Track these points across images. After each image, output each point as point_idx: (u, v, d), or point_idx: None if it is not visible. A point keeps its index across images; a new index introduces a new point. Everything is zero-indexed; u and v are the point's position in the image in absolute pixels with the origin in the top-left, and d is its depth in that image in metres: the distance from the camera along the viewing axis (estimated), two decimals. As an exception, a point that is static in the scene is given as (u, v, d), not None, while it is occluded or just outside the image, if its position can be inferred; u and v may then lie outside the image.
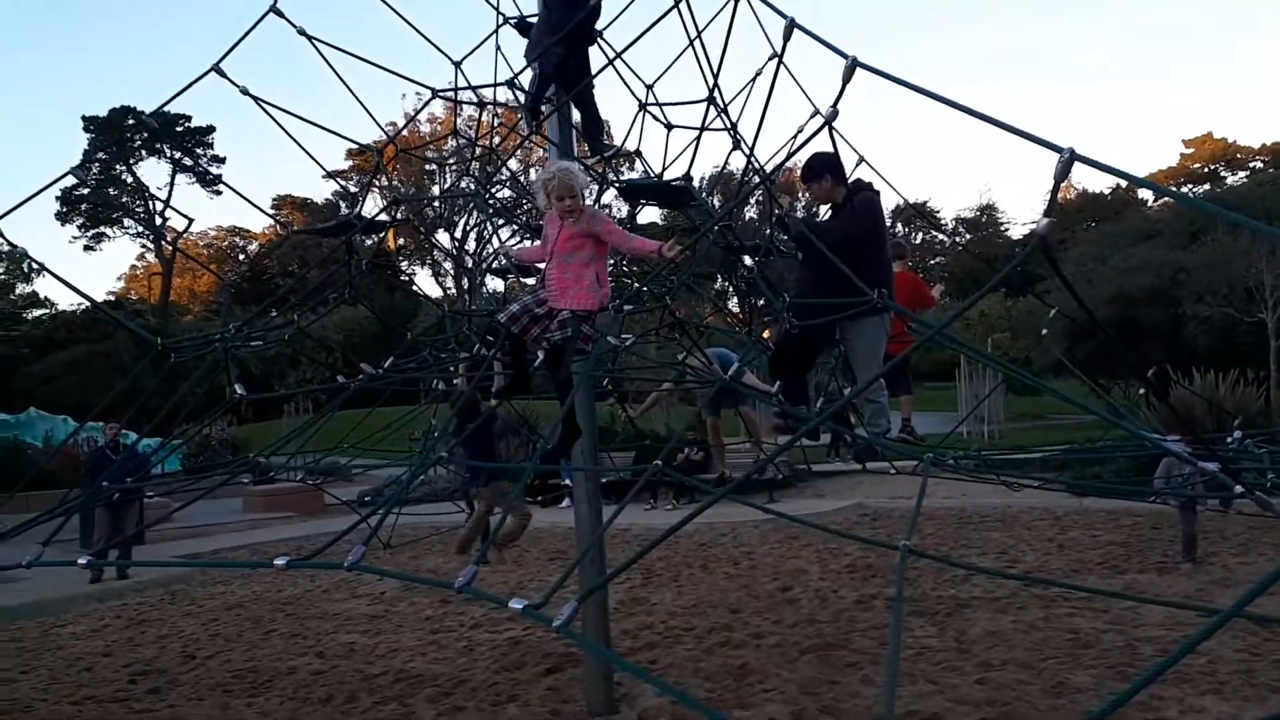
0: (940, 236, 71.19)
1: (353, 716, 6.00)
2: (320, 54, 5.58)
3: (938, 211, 71.69)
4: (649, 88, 6.23)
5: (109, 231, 51.98)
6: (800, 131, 6.02)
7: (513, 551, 10.99)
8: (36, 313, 42.57)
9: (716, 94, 5.34)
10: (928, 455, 5.12)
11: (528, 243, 4.30)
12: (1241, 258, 21.47)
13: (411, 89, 47.59)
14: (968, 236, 70.47)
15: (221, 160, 52.76)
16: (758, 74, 5.80)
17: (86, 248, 51.78)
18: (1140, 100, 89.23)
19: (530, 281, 5.62)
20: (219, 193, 52.29)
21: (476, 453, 8.00)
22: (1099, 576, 8.50)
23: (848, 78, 3.45)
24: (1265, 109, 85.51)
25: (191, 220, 40.40)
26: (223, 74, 4.98)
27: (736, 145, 5.74)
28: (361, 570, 3.15)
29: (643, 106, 5.84)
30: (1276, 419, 15.85)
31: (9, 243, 4.34)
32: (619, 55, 5.29)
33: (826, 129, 3.72)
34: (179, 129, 48.30)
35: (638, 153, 6.69)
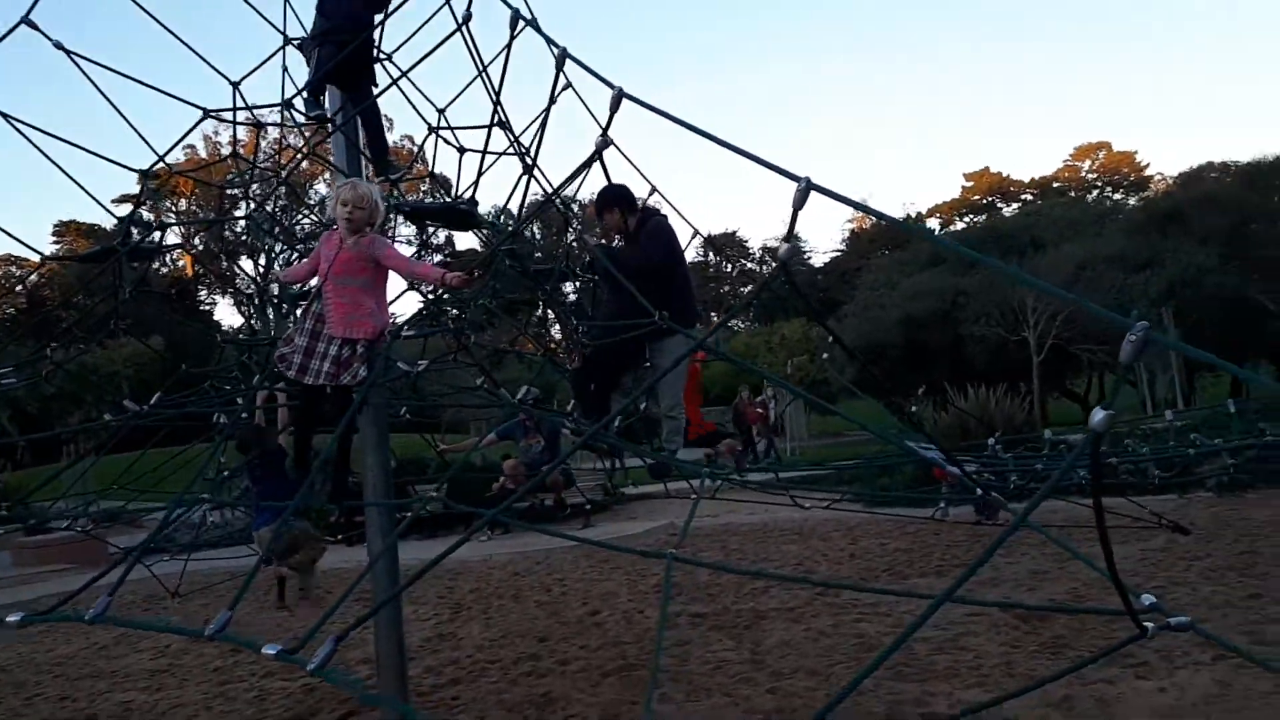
0: (748, 264, 74.06)
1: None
2: (80, 69, 5.24)
3: (745, 241, 74.66)
4: (440, 112, 6.19)
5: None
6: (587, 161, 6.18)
7: (317, 594, 10.56)
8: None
9: (502, 117, 5.37)
10: (705, 471, 5.30)
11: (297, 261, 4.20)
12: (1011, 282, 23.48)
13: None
14: (773, 264, 73.62)
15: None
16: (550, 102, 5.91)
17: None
18: (926, 138, 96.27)
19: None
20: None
21: (269, 492, 7.61)
22: (884, 582, 9.02)
23: (614, 107, 3.57)
24: (1035, 146, 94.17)
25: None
26: (34, 25, 4.67)
27: (527, 170, 5.79)
28: (103, 622, 2.95)
29: (432, 130, 5.81)
30: (1040, 428, 17.40)
31: None
32: (405, 74, 5.26)
33: (600, 157, 3.81)
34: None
35: (432, 175, 6.65)
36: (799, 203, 2.81)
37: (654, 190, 6.73)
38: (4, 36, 4.86)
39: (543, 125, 4.45)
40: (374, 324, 4.22)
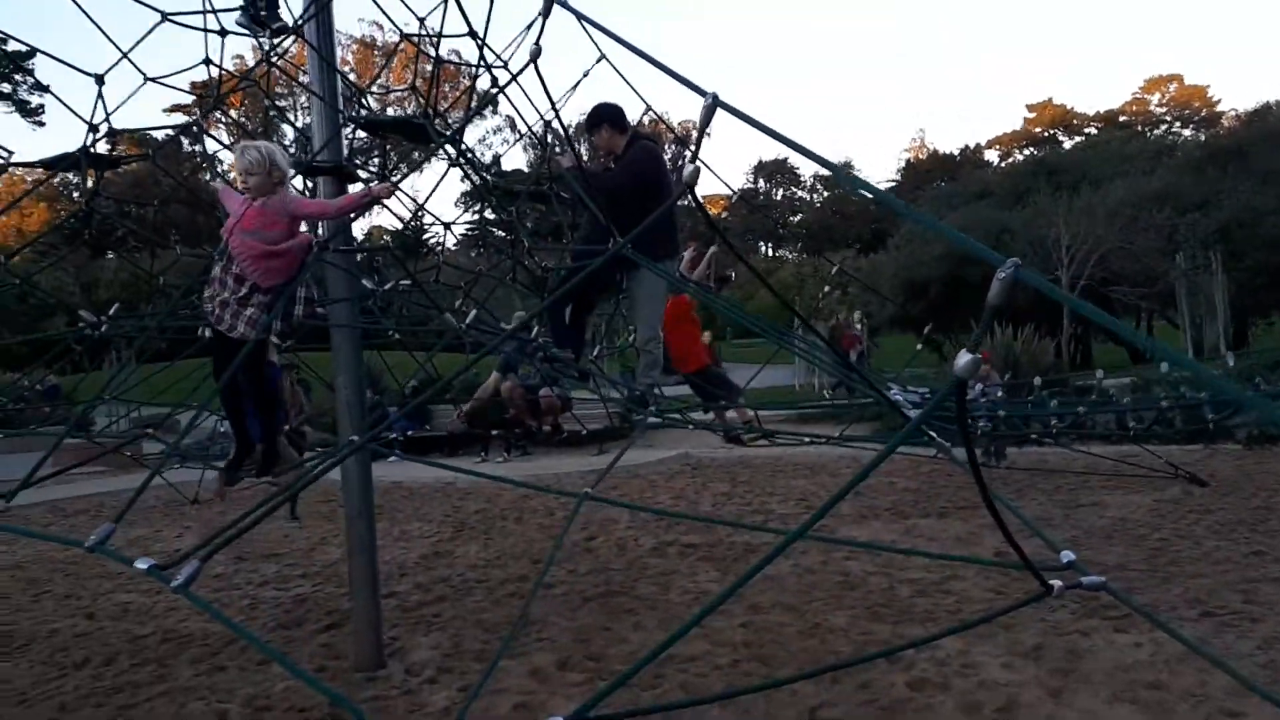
0: (799, 193, 72.88)
1: (104, 680, 5.75)
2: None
3: (796, 169, 73.32)
4: (421, 20, 6.00)
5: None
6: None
7: (327, 507, 10.77)
8: None
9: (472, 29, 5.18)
10: (651, 410, 5.20)
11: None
12: (1064, 216, 22.69)
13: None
14: (825, 193, 72.29)
15: (45, 88, 48.69)
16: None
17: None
18: (990, 66, 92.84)
19: None
20: (43, 124, 48.39)
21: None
22: (883, 521, 8.92)
23: (546, 11, 3.39)
24: (1103, 77, 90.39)
25: (11, 153, 37.29)
26: None
27: (483, 60, 5.60)
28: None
29: (404, 37, 5.62)
30: (1067, 370, 16.98)
31: None
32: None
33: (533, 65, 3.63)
34: (-7, 53, 44.33)
35: (413, 88, 6.49)
36: (705, 120, 2.64)
37: (648, 109, 6.53)
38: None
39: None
40: (287, 272, 4.16)
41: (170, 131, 6.49)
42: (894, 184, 66.63)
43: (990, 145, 68.45)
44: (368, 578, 5.79)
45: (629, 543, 8.61)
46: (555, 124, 5.00)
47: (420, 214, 5.20)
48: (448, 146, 4.71)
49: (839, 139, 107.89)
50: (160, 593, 7.76)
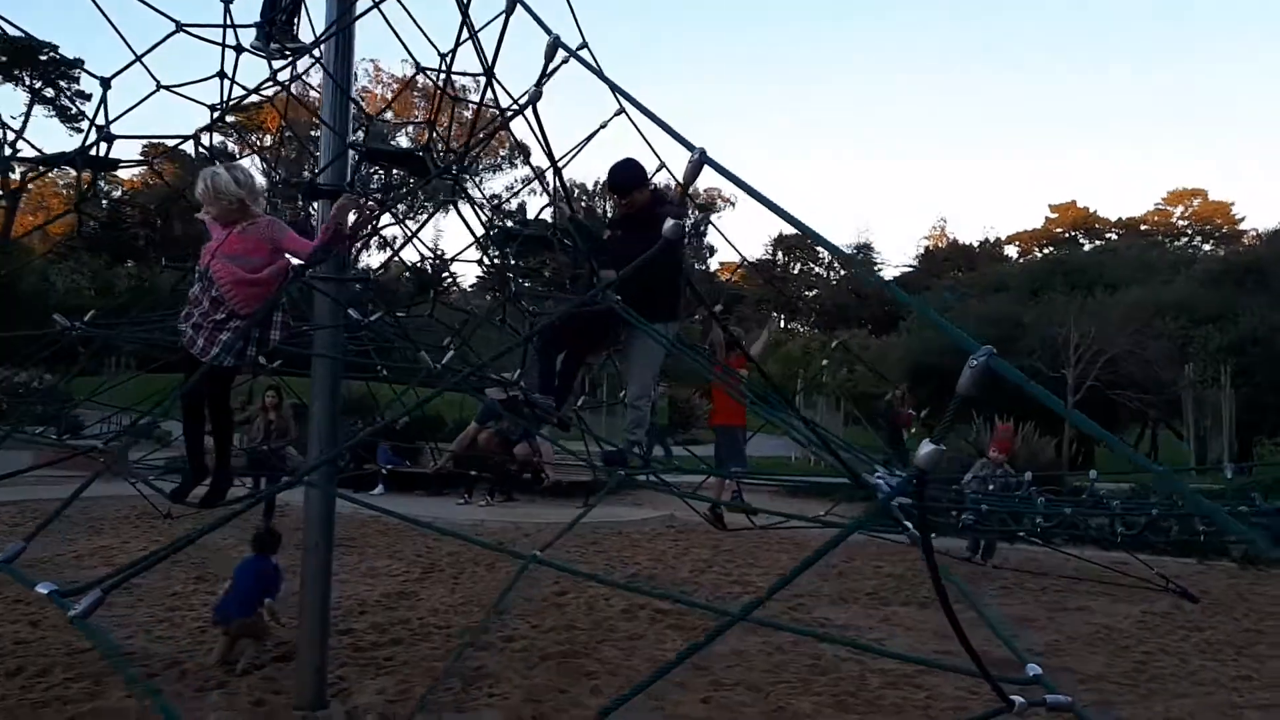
0: (816, 269, 73.16)
1: (33, 692, 5.54)
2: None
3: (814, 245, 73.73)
4: (442, 56, 5.94)
5: (-52, 157, 48.19)
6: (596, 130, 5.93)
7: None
8: None
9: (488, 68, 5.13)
10: (618, 473, 5.05)
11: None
12: (1075, 316, 22.58)
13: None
14: (841, 272, 72.53)
15: (86, 96, 49.58)
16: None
17: (-78, 171, 47.92)
18: (1014, 164, 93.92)
19: None
20: (80, 129, 49.16)
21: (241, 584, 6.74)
22: (862, 606, 8.66)
23: (550, 55, 3.33)
24: (1127, 185, 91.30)
25: (44, 158, 37.79)
26: None
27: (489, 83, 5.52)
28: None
29: (420, 70, 5.59)
30: (1066, 469, 16.71)
31: None
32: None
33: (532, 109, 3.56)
34: (42, 57, 45.16)
35: (431, 123, 6.45)
36: (691, 175, 2.56)
37: (662, 166, 6.46)
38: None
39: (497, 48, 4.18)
40: (265, 299, 4.06)
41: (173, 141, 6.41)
42: (911, 269, 66.80)
43: (1010, 240, 68.74)
44: (318, 613, 5.59)
45: (599, 602, 8.35)
46: (558, 171, 4.90)
47: (439, 252, 5.11)
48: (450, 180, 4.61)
49: (860, 218, 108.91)
50: (112, 605, 7.55)
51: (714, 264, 63.62)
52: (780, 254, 74.74)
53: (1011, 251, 67.38)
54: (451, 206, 7.08)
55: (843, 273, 72.30)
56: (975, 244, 68.63)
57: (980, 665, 2.32)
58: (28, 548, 2.82)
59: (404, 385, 6.78)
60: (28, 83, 46.89)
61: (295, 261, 4.03)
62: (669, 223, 2.57)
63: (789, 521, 6.93)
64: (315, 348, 5.51)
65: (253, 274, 3.98)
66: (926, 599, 9.07)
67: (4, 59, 45.02)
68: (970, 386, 1.83)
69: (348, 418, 12.29)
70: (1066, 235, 66.14)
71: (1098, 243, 61.83)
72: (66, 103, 48.18)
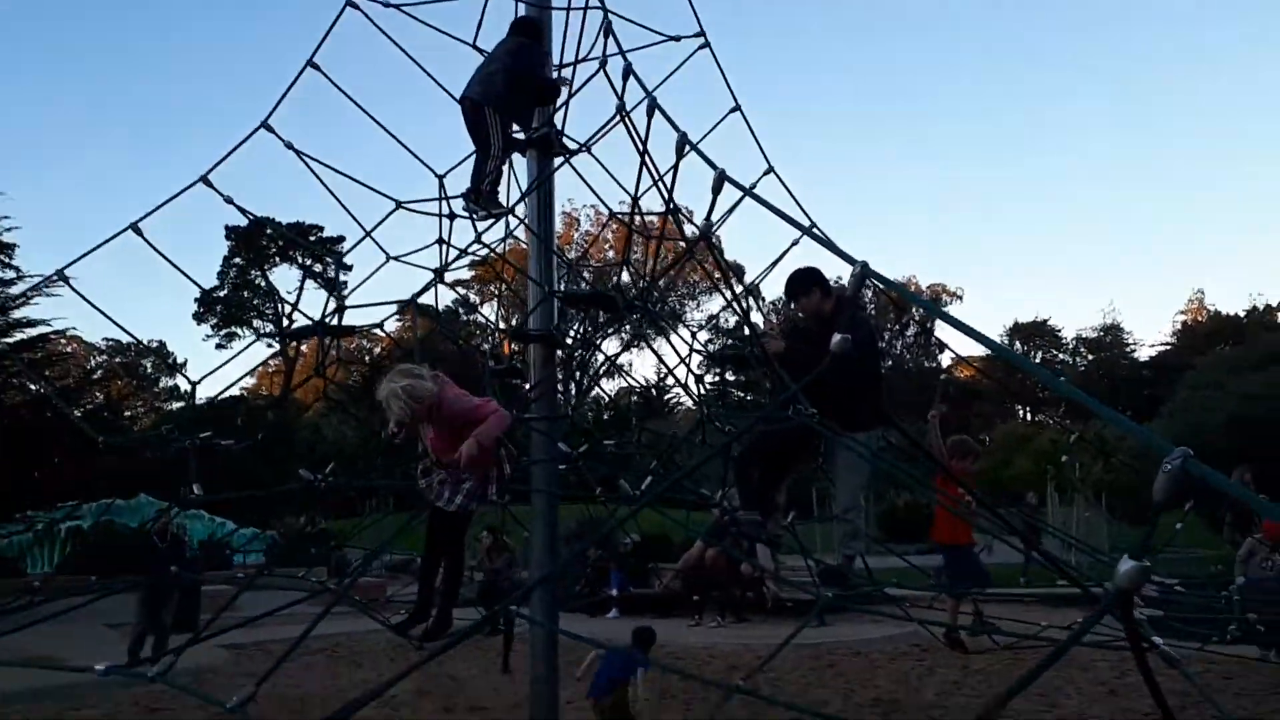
0: (1060, 355, 68.88)
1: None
2: (310, 169, 5.91)
3: (1058, 330, 69.60)
4: (634, 199, 6.28)
5: (240, 331, 55.22)
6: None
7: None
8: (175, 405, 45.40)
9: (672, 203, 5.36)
10: (829, 593, 4.87)
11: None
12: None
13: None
14: (1089, 356, 67.86)
15: (349, 268, 55.57)
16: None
17: (218, 345, 55.09)
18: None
19: None
20: (357, 305, 54.90)
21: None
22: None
23: (717, 189, 3.46)
24: None
25: (289, 331, 42.38)
26: (270, 129, 5.41)
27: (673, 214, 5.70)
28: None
29: (613, 215, 5.92)
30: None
31: None
32: (584, 147, 5.39)
33: (707, 241, 3.68)
34: (311, 238, 51.42)
35: (626, 262, 6.76)
36: (855, 288, 2.55)
37: (863, 266, 6.40)
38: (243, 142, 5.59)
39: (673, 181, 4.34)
40: (489, 455, 4.32)
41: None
42: (1168, 347, 61.51)
43: (1288, 305, 61.94)
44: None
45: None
46: (749, 296, 4.99)
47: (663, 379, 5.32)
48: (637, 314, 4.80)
49: (1105, 298, 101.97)
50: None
51: (946, 359, 61.42)
52: (1018, 343, 71.08)
53: (1282, 317, 60.67)
54: (661, 335, 7.31)
55: (1090, 358, 67.64)
56: (1241, 313, 62.40)
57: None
58: (256, 693, 3.06)
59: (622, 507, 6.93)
60: (299, 261, 53.47)
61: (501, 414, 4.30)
62: (836, 338, 2.55)
63: (1023, 640, 6.36)
64: (533, 483, 5.79)
65: (471, 460, 4.24)
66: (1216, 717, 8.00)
67: (280, 243, 51.80)
68: (1165, 492, 1.69)
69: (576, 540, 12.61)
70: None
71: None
72: (333, 275, 54.30)
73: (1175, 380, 34.62)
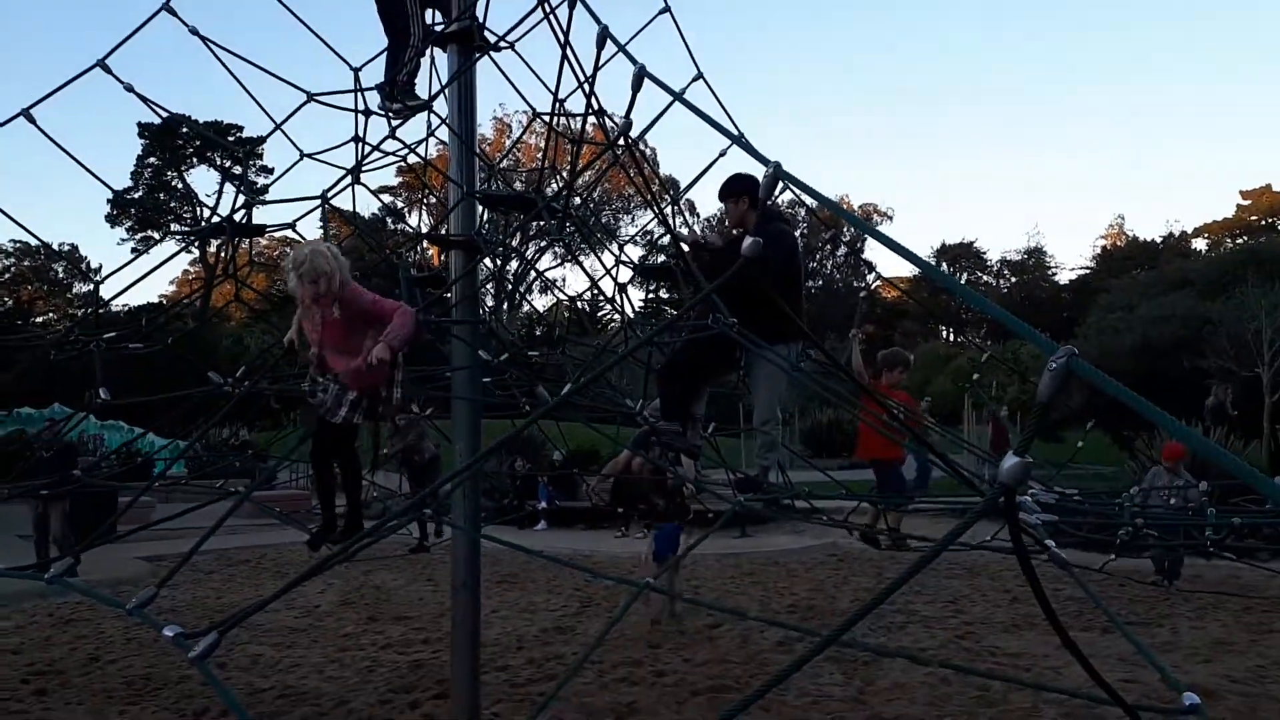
0: (984, 277, 70.31)
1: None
2: (215, 55, 5.58)
3: (984, 252, 70.92)
4: (559, 100, 6.07)
5: (156, 235, 53.23)
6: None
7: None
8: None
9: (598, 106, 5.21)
10: (741, 498, 4.92)
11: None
12: (1270, 309, 20.67)
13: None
14: (1012, 279, 69.40)
15: (269, 170, 53.80)
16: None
17: (134, 250, 53.10)
18: (1200, 150, 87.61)
19: None
20: (265, 202, 53.22)
21: None
22: (1038, 632, 8.10)
23: (636, 86, 3.33)
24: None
25: (196, 230, 41.17)
26: (173, 12, 5.09)
27: (596, 115, 5.56)
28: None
29: (536, 115, 5.72)
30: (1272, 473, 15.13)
31: None
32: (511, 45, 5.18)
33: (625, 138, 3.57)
34: (230, 138, 49.40)
35: (553, 166, 6.59)
36: (768, 189, 2.48)
37: (733, 139, 6.34)
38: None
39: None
40: (373, 376, 4.16)
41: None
42: (1087, 271, 63.24)
43: (1198, 234, 63.91)
44: (468, 651, 5.70)
45: (753, 634, 8.19)
46: (669, 200, 4.89)
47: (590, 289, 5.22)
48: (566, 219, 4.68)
49: (1030, 221, 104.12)
50: (291, 647, 7.98)
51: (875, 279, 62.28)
52: (944, 264, 72.28)
53: (1200, 245, 62.62)
54: (586, 245, 7.23)
55: (1014, 280, 69.18)
56: (1158, 239, 64.31)
57: (1108, 690, 2.15)
58: (158, 593, 2.98)
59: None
60: (218, 163, 51.44)
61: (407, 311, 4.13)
62: (747, 241, 2.48)
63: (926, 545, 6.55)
64: (454, 390, 5.68)
65: (361, 369, 4.08)
66: (1107, 624, 8.43)
67: (197, 143, 49.70)
68: (1049, 389, 1.68)
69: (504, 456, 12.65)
70: (1263, 223, 60.93)
71: (1300, 228, 56.70)
72: (253, 178, 52.41)
73: (1092, 304, 35.65)
